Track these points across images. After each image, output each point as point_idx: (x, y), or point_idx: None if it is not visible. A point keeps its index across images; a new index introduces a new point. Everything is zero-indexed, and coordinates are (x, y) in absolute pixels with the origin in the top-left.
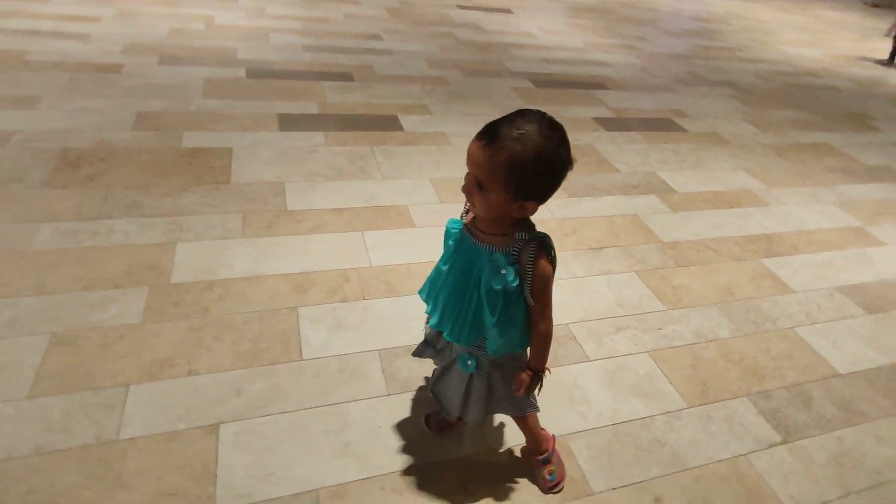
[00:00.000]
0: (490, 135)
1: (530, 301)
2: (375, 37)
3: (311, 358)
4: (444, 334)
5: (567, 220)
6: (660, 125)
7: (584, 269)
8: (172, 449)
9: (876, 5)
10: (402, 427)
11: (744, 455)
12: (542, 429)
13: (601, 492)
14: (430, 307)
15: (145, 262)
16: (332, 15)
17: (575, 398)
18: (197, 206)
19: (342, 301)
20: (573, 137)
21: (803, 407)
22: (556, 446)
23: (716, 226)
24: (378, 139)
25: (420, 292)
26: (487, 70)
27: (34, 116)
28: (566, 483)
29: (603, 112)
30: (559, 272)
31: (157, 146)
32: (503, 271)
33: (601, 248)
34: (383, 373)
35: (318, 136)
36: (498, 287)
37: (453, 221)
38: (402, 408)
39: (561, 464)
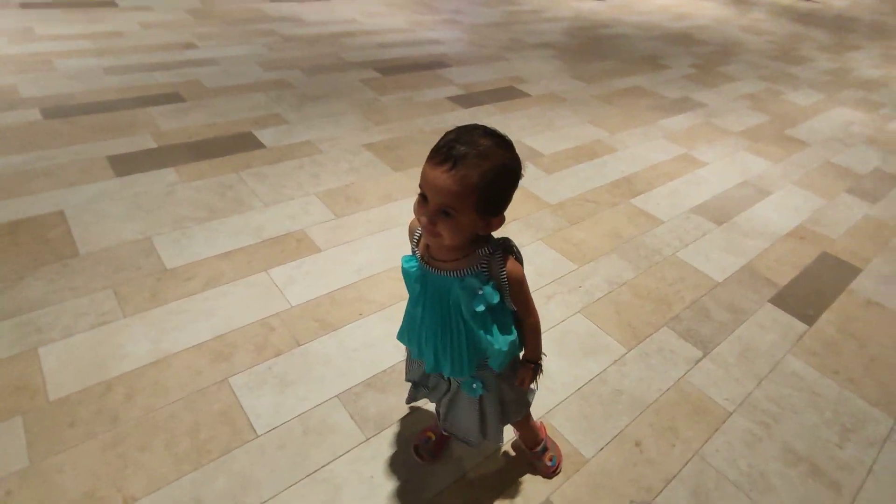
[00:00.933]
0: (452, 158)
1: (512, 307)
2: (189, 45)
3: (268, 430)
4: (445, 374)
5: None
6: (506, 94)
7: None
8: None
9: None
10: (395, 467)
11: (682, 377)
12: (534, 420)
13: (593, 456)
14: (415, 353)
15: (4, 385)
16: (125, 27)
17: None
18: (48, 294)
19: (276, 355)
20: (436, 120)
21: (705, 319)
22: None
23: (585, 179)
24: (240, 162)
25: (399, 338)
26: (327, 65)
27: None
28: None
29: (454, 90)
30: None
31: None
32: (480, 292)
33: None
34: (352, 418)
35: (168, 174)
36: (481, 308)
37: (407, 259)
38: (385, 448)
39: (556, 446)
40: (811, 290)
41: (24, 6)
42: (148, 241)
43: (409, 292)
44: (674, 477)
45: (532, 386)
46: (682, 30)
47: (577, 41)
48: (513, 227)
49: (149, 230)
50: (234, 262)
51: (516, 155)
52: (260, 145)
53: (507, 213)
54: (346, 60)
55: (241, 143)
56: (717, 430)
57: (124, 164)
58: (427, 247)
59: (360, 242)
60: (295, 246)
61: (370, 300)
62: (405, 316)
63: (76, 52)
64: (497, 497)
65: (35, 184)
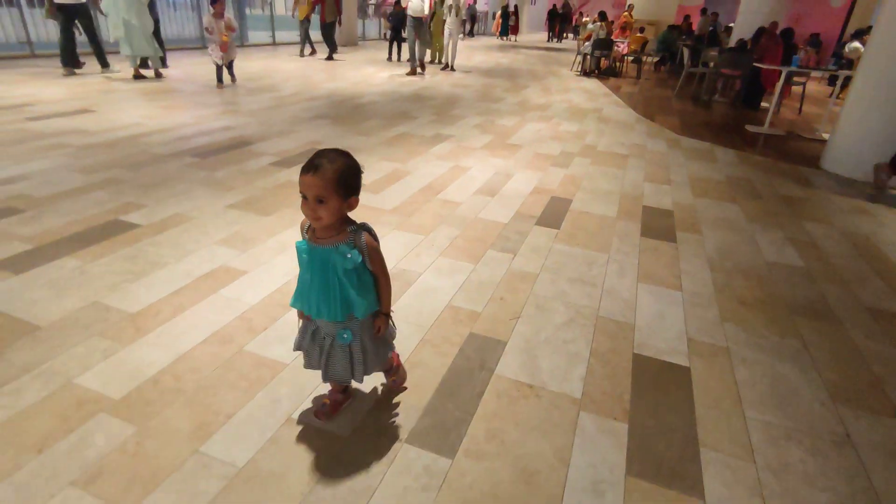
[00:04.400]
0: (314, 169)
1: (371, 268)
2: None
3: (294, 358)
4: (324, 318)
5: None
6: (310, 154)
7: None
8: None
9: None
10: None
11: (508, 266)
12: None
13: (482, 310)
14: (306, 309)
15: (66, 407)
16: None
17: (420, 291)
18: (42, 353)
19: (265, 329)
20: (272, 180)
21: (507, 241)
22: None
23: (402, 192)
24: (129, 239)
25: (293, 304)
26: (144, 160)
27: None
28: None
29: (271, 159)
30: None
31: None
32: (349, 255)
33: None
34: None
35: (68, 262)
36: (350, 266)
37: (300, 243)
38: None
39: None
40: (553, 214)
41: None
42: (98, 304)
43: (300, 264)
44: (524, 304)
45: (390, 346)
46: (413, 92)
47: (342, 111)
48: (373, 225)
49: (90, 298)
50: (186, 295)
51: (353, 158)
52: (135, 226)
53: (387, 220)
54: (159, 154)
55: (116, 228)
56: (534, 282)
57: (16, 265)
58: (313, 232)
59: (273, 261)
60: (226, 274)
61: None
62: (298, 284)
63: None
64: (388, 413)
65: None
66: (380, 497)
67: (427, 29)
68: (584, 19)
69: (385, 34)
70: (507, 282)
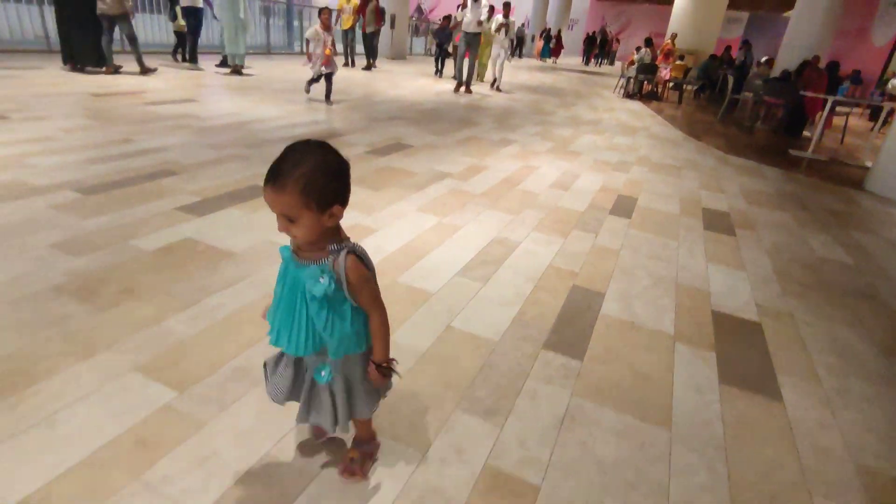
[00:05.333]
0: (273, 177)
1: (352, 301)
2: (127, 140)
3: (439, 287)
4: (283, 349)
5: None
6: (398, 147)
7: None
8: None
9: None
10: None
11: (593, 243)
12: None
13: (579, 270)
14: (271, 327)
15: None
16: (47, 133)
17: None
18: (243, 270)
19: (417, 265)
20: (378, 162)
21: (587, 224)
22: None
23: (484, 181)
24: None
25: (266, 314)
26: (257, 142)
27: None
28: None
29: (365, 147)
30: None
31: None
32: (321, 280)
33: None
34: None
35: (233, 211)
36: (318, 294)
37: (283, 248)
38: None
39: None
40: (623, 207)
41: None
42: (271, 241)
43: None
44: (613, 269)
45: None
46: (469, 103)
47: (411, 114)
48: (469, 207)
49: (263, 237)
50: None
51: (329, 154)
52: None
53: (435, 206)
54: (267, 138)
55: (259, 191)
56: (617, 255)
57: (195, 210)
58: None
59: (396, 223)
60: (362, 231)
61: (428, 239)
62: (274, 295)
63: (35, 153)
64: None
65: (141, 230)
66: (534, 378)
67: (475, 45)
68: (615, 45)
69: (430, 49)
70: (594, 252)
